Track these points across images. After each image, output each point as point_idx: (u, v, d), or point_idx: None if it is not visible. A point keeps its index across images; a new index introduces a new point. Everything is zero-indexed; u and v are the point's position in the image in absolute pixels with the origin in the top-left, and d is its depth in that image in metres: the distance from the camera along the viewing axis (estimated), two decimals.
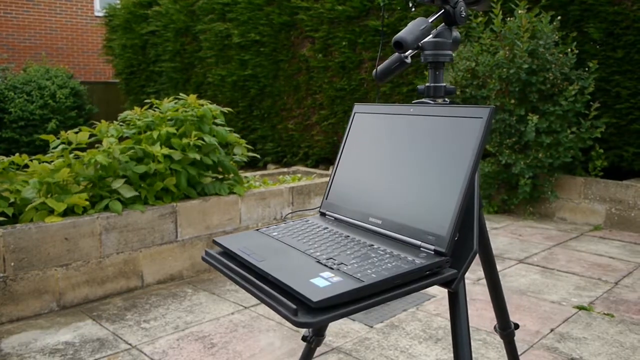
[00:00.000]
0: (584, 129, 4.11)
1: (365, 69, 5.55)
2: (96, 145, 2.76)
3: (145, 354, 2.04)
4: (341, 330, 2.24)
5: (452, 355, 2.06)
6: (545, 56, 4.01)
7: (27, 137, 7.11)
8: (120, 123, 2.95)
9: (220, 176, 3.12)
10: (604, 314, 2.43)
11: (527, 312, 2.44)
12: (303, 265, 0.81)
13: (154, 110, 2.99)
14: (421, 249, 0.85)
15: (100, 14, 9.10)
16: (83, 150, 2.71)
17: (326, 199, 1.08)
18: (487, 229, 4.04)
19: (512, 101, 4.14)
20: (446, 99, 1.04)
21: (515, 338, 2.17)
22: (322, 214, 1.08)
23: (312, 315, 0.68)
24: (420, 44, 1.00)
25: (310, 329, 1.25)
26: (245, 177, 3.58)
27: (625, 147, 4.21)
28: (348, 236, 0.94)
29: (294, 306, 0.69)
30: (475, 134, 0.83)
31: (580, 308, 2.50)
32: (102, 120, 2.86)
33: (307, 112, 6.16)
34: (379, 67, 1.03)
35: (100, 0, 10.43)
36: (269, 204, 3.22)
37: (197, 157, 2.72)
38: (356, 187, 1.01)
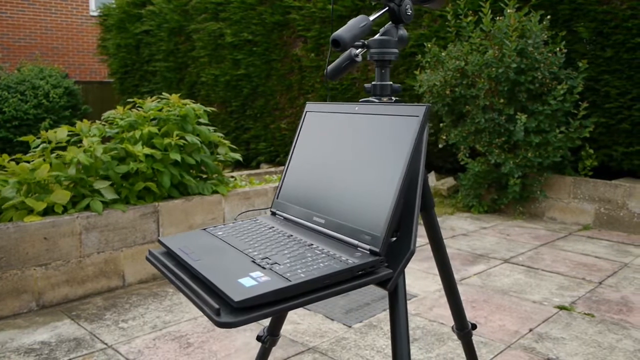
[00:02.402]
0: (572, 128, 4.10)
1: (357, 68, 5.54)
2: (79, 145, 2.76)
3: (121, 354, 2.04)
4: (319, 330, 2.24)
5: (428, 354, 2.05)
6: (534, 55, 4.00)
7: (21, 136, 7.11)
8: (103, 122, 2.95)
9: (205, 176, 3.11)
10: (585, 313, 2.42)
11: (508, 312, 2.43)
12: (236, 265, 0.81)
13: (138, 110, 2.98)
14: (358, 248, 0.84)
15: (96, 14, 9.10)
16: (65, 149, 2.71)
17: (277, 198, 1.08)
18: (476, 229, 4.01)
19: (501, 100, 4.13)
20: (392, 97, 1.03)
21: (493, 338, 2.17)
22: (273, 214, 1.08)
23: (234, 315, 0.68)
24: (365, 42, 1.00)
25: (265, 329, 1.24)
26: (232, 176, 3.57)
27: (615, 146, 4.20)
28: (291, 235, 0.93)
29: (216, 306, 0.68)
30: (410, 133, 0.82)
31: (561, 308, 2.49)
32: (84, 120, 2.85)
33: (299, 112, 6.16)
34: (329, 66, 1.03)
35: None
36: (253, 204, 3.21)
37: (179, 157, 2.72)
38: (303, 186, 1.01)
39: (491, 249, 3.44)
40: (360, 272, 0.78)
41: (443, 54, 4.44)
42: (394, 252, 0.83)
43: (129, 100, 3.24)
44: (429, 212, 1.07)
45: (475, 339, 2.16)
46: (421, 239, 3.70)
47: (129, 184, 2.76)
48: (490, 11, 4.14)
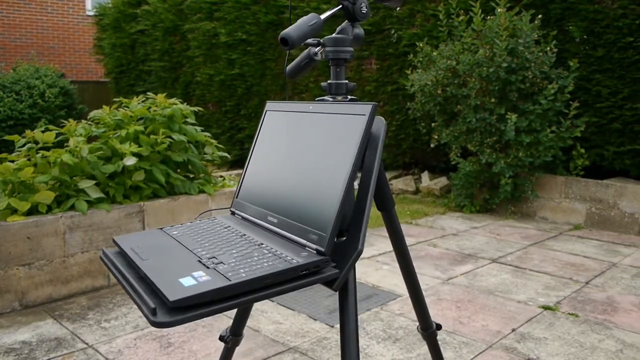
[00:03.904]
0: (564, 128, 4.10)
1: (350, 67, 5.54)
2: (65, 145, 2.75)
3: (100, 353, 2.03)
4: (301, 330, 2.23)
5: (409, 355, 2.05)
6: (525, 55, 4.00)
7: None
8: (89, 122, 2.95)
9: (192, 175, 3.11)
10: (569, 314, 2.42)
11: (492, 312, 2.43)
12: (181, 264, 0.80)
13: (124, 110, 2.98)
14: (306, 248, 0.84)
15: (92, 13, 9.10)
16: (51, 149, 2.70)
17: (236, 197, 1.07)
18: (467, 228, 4.00)
19: (492, 100, 4.12)
20: (347, 96, 1.02)
21: (475, 338, 2.17)
22: (233, 213, 1.08)
23: (171, 314, 0.67)
24: (321, 40, 0.99)
25: (228, 329, 1.24)
26: (221, 176, 3.57)
27: (606, 146, 4.19)
28: (244, 235, 0.93)
29: (152, 305, 0.68)
30: (357, 132, 0.82)
31: (546, 308, 2.48)
32: (70, 120, 2.85)
33: None
34: (289, 66, 1.02)
35: None
36: None
37: (165, 152, 2.71)
38: (260, 186, 1.00)
39: (480, 249, 3.44)
40: (304, 272, 0.78)
41: (435, 53, 4.43)
42: (342, 251, 0.82)
43: (115, 100, 3.24)
44: (389, 212, 1.06)
45: (456, 339, 2.16)
46: (410, 238, 3.70)
47: (115, 183, 2.75)
48: (480, 11, 4.14)
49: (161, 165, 2.81)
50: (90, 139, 2.91)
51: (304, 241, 0.85)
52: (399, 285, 2.76)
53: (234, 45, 6.39)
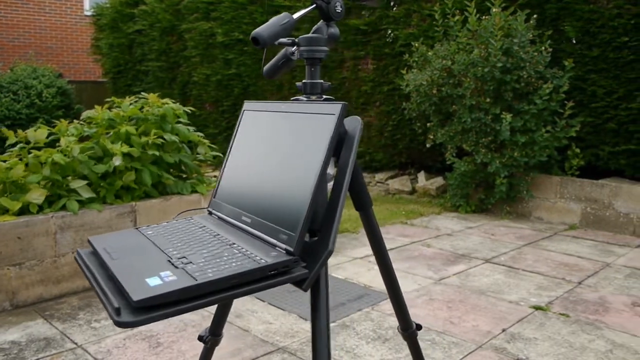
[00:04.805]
0: (559, 128, 4.09)
1: (347, 67, 5.53)
2: (57, 144, 2.75)
3: (89, 353, 2.03)
4: (291, 330, 2.23)
5: (398, 355, 2.04)
6: (520, 54, 3.99)
7: None
8: (81, 122, 2.94)
9: (185, 175, 3.11)
10: (560, 314, 2.41)
11: (483, 312, 2.42)
12: (150, 264, 0.80)
13: (116, 110, 2.98)
14: (276, 248, 0.84)
15: (90, 13, 9.10)
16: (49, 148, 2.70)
17: (214, 197, 1.07)
18: (462, 228, 3.99)
19: (487, 100, 4.12)
20: (322, 95, 1.02)
21: (465, 338, 2.16)
22: (210, 213, 1.07)
23: (135, 314, 0.67)
24: (296, 39, 0.99)
25: (207, 329, 1.23)
26: (214, 176, 3.57)
27: (602, 146, 4.19)
28: (217, 235, 0.93)
29: (116, 305, 0.68)
30: (327, 131, 0.81)
31: (537, 308, 2.48)
32: (61, 120, 2.85)
33: None
34: (266, 65, 1.02)
35: None
36: None
37: (157, 153, 2.71)
38: (236, 185, 1.00)
39: (474, 249, 3.43)
40: (273, 272, 0.77)
41: (430, 53, 4.43)
42: (313, 251, 0.82)
43: (106, 100, 3.23)
44: (366, 212, 1.06)
45: (446, 339, 2.16)
46: (404, 238, 3.69)
47: (107, 183, 2.75)
48: (475, 10, 4.14)
49: (152, 166, 2.81)
50: (83, 138, 2.91)
51: (274, 241, 0.85)
52: None
53: (231, 45, 6.39)
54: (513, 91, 4.10)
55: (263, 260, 0.78)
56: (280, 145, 0.92)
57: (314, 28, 1.02)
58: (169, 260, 0.81)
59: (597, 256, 3.31)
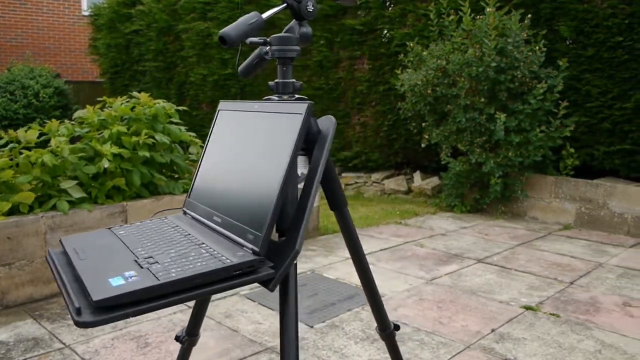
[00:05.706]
0: (553, 127, 4.09)
1: (343, 67, 5.53)
2: (48, 145, 2.75)
3: (77, 353, 2.03)
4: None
5: (385, 355, 2.04)
6: (514, 54, 3.99)
7: None
8: (73, 122, 2.94)
9: (177, 175, 3.10)
10: (550, 314, 2.41)
11: (473, 313, 2.42)
12: (116, 264, 0.80)
13: (108, 110, 2.98)
14: (243, 248, 0.83)
15: (87, 13, 9.10)
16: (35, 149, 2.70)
17: (188, 197, 1.07)
18: (456, 228, 3.98)
19: (482, 100, 4.11)
20: (294, 95, 1.02)
21: (453, 338, 2.16)
22: (185, 213, 1.07)
23: (96, 314, 0.67)
24: (268, 39, 0.99)
25: (184, 329, 1.23)
26: None
27: (596, 145, 4.18)
28: (188, 234, 0.92)
29: (77, 305, 0.68)
30: (294, 131, 0.81)
31: (527, 308, 2.47)
32: (53, 120, 2.85)
33: None
34: (241, 65, 1.02)
35: None
36: None
37: (147, 154, 2.71)
38: (209, 185, 1.00)
39: (467, 249, 3.43)
40: (237, 272, 0.77)
41: (425, 53, 4.42)
42: (280, 252, 0.82)
43: (98, 99, 3.23)
44: (341, 211, 1.05)
45: (435, 339, 2.15)
46: (398, 238, 3.69)
47: (98, 183, 2.75)
48: (470, 10, 4.13)
49: (143, 167, 2.80)
50: (75, 139, 2.90)
51: (242, 241, 0.84)
52: (382, 285, 2.75)
53: None
54: (507, 91, 4.09)
55: (228, 260, 0.78)
56: (250, 145, 0.92)
57: (286, 27, 1.02)
58: (135, 260, 0.81)
59: (590, 256, 3.30)
